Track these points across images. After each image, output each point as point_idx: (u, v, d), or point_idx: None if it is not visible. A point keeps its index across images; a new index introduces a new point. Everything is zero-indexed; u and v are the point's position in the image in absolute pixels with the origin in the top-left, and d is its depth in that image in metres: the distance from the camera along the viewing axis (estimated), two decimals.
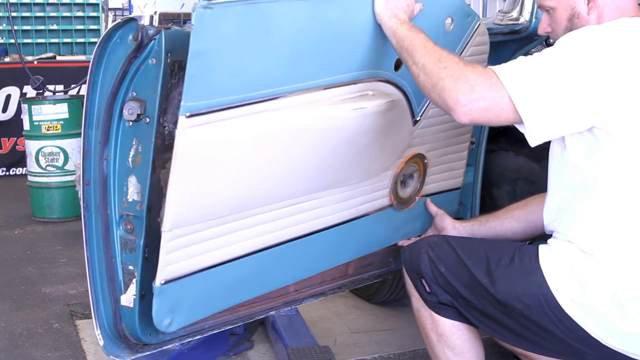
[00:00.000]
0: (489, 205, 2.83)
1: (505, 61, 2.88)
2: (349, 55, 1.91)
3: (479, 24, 2.29)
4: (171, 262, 1.75)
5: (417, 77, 1.76)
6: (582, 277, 1.74)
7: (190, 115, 1.58)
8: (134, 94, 1.86)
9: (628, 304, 1.71)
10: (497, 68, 1.66)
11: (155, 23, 1.82)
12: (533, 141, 1.67)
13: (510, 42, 2.81)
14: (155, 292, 1.77)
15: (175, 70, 1.85)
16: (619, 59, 1.65)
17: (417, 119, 2.22)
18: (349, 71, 1.93)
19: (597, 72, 1.64)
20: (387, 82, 2.06)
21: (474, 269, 1.87)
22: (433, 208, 2.39)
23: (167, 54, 1.81)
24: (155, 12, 1.83)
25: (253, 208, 1.88)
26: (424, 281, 1.93)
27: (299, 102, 1.81)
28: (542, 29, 1.93)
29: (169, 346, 2.14)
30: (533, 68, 1.65)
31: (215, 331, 2.28)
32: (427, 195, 2.45)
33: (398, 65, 2.03)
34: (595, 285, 1.73)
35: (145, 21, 1.81)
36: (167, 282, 1.77)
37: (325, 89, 1.88)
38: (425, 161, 2.35)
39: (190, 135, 1.60)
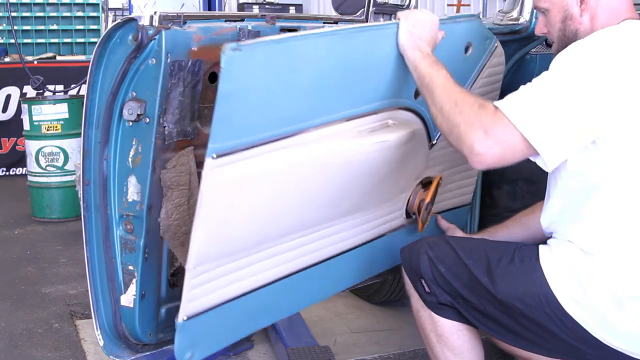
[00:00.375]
0: (489, 205, 2.83)
1: (505, 60, 2.89)
2: (372, 86, 1.92)
3: (497, 46, 2.31)
4: (194, 299, 1.72)
5: (435, 118, 1.78)
6: (582, 277, 1.74)
7: (218, 157, 1.56)
8: (134, 94, 1.86)
9: (628, 303, 1.71)
10: (504, 106, 1.66)
11: (155, 23, 1.82)
12: (550, 167, 1.69)
13: (511, 42, 2.81)
14: (178, 328, 1.73)
15: (175, 70, 1.85)
16: (615, 70, 1.66)
17: (434, 142, 2.22)
18: (370, 102, 1.93)
19: (596, 86, 1.64)
20: (407, 109, 2.07)
21: (474, 269, 1.87)
22: (444, 223, 2.40)
23: (167, 54, 1.81)
24: (155, 12, 1.83)
25: (275, 239, 1.87)
26: (423, 281, 1.93)
27: (322, 136, 1.80)
28: (539, 30, 1.96)
29: (169, 346, 2.15)
30: (537, 98, 1.66)
31: None
32: (439, 213, 2.45)
33: (417, 92, 2.02)
34: (596, 284, 1.73)
35: (145, 21, 1.81)
36: (189, 317, 1.73)
37: (347, 120, 1.88)
38: (440, 181, 2.35)
39: (216, 176, 1.58)
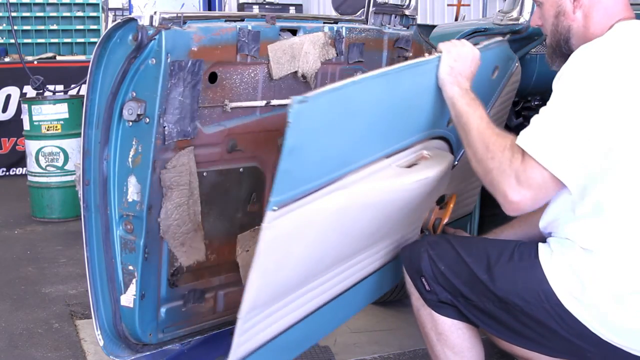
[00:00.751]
0: (489, 205, 2.83)
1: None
2: (412, 120, 1.93)
3: (517, 66, 2.34)
4: (243, 343, 1.73)
5: (470, 159, 1.81)
6: (581, 274, 1.74)
7: (278, 209, 1.56)
8: (134, 94, 1.86)
9: (628, 300, 1.72)
10: (530, 148, 1.66)
11: (155, 23, 1.83)
12: (574, 192, 1.70)
13: (510, 42, 2.81)
14: None
15: (175, 70, 1.85)
16: (620, 84, 1.67)
17: (455, 163, 2.24)
18: (410, 136, 1.95)
19: (606, 105, 1.65)
20: (439, 138, 2.09)
21: (474, 266, 1.87)
22: (450, 230, 2.40)
23: (167, 54, 1.81)
24: (155, 12, 1.82)
25: (318, 275, 1.89)
26: (423, 279, 1.93)
27: (365, 175, 1.81)
28: (534, 22, 1.99)
29: (169, 346, 2.15)
30: (557, 132, 1.66)
31: (215, 331, 2.29)
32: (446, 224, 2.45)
33: (450, 121, 2.04)
34: (596, 281, 1.73)
35: (145, 21, 1.81)
36: None
37: (387, 157, 1.89)
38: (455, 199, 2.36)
39: (275, 227, 1.58)
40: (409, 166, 1.95)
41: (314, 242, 1.76)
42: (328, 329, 2.18)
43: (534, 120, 1.71)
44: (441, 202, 2.29)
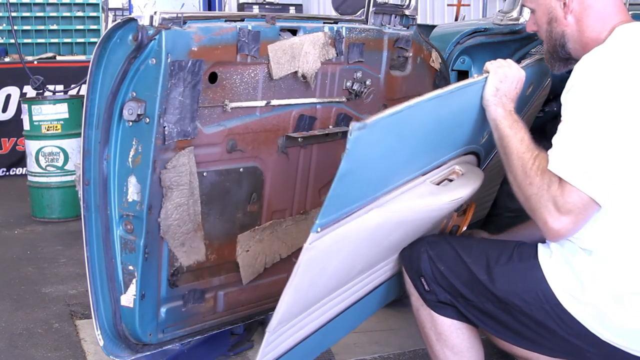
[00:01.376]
0: (493, 204, 2.84)
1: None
2: (452, 139, 1.95)
3: (549, 81, 2.35)
4: (267, 353, 1.75)
5: (511, 183, 1.80)
6: (581, 274, 1.75)
7: (321, 230, 1.58)
8: (134, 94, 1.86)
9: (627, 300, 1.72)
10: (563, 172, 1.65)
11: (155, 23, 1.83)
12: (609, 207, 1.70)
13: (511, 42, 2.82)
14: None
15: (175, 70, 1.85)
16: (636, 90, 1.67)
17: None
18: (448, 153, 1.96)
19: (628, 116, 1.65)
20: (471, 152, 2.09)
21: (473, 267, 1.87)
22: (465, 232, 2.40)
23: (167, 54, 1.81)
24: (155, 12, 1.82)
25: (345, 286, 1.91)
26: (423, 280, 1.94)
27: (402, 192, 1.82)
28: (529, 28, 1.99)
29: (169, 346, 2.15)
30: (586, 152, 1.65)
31: (215, 331, 2.29)
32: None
33: (483, 137, 2.05)
34: (595, 281, 1.73)
35: (145, 21, 1.81)
36: None
37: (423, 174, 1.90)
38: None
39: (315, 248, 1.60)
40: (442, 181, 1.96)
41: (346, 257, 1.78)
42: (342, 335, 2.19)
43: (560, 142, 1.69)
44: (459, 208, 2.28)
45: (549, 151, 1.71)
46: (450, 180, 1.99)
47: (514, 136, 1.80)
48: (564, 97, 1.75)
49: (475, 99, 1.87)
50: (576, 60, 1.82)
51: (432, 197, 1.88)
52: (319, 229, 1.56)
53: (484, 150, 2.15)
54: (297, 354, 1.90)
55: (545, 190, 1.68)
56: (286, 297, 1.63)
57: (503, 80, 1.87)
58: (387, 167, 1.72)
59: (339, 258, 1.74)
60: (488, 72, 1.88)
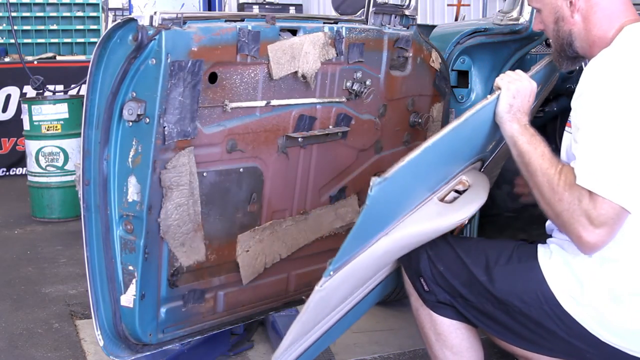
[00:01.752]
0: (489, 205, 2.83)
1: (504, 60, 2.88)
2: (463, 156, 1.95)
3: (556, 76, 2.36)
4: None
5: (538, 200, 1.77)
6: (580, 275, 1.75)
7: (334, 274, 1.61)
8: (134, 94, 1.86)
9: (627, 300, 1.72)
10: (593, 186, 1.64)
11: (155, 23, 1.83)
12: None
13: (511, 42, 2.81)
14: None
15: (175, 70, 1.85)
16: None
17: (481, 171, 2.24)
18: (457, 169, 1.97)
19: None
20: (478, 160, 2.10)
21: (473, 267, 1.87)
22: None
23: (167, 54, 1.81)
24: (155, 12, 1.82)
25: (346, 301, 1.95)
26: (422, 280, 1.94)
27: (410, 215, 1.83)
28: (536, 27, 1.97)
29: (169, 346, 2.15)
30: (613, 162, 1.64)
31: (215, 331, 2.29)
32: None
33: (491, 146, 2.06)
34: (594, 282, 1.73)
35: (145, 21, 1.81)
36: None
37: (433, 193, 1.91)
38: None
39: (326, 289, 1.63)
40: (448, 193, 1.96)
41: (353, 284, 1.82)
42: (338, 336, 2.20)
43: (584, 154, 1.67)
44: None
45: (574, 164, 1.69)
46: (457, 192, 1.99)
47: (534, 151, 1.78)
48: (575, 103, 1.74)
49: (487, 118, 1.86)
50: (583, 59, 1.82)
51: (440, 219, 1.88)
52: (331, 273, 1.60)
53: (489, 154, 2.15)
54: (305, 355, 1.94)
55: (577, 205, 1.66)
56: (294, 330, 1.67)
57: (516, 95, 1.84)
58: (402, 203, 1.74)
59: (346, 289, 1.78)
60: (499, 89, 1.86)
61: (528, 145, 1.79)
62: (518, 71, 1.93)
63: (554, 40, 1.91)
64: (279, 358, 1.73)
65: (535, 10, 1.95)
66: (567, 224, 1.69)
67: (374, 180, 1.48)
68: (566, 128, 1.88)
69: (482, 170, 2.21)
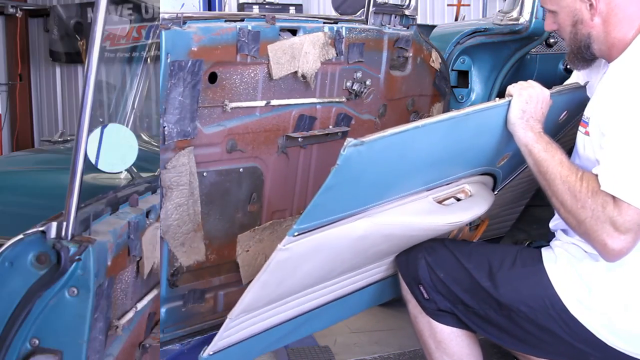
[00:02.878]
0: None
1: (504, 60, 2.88)
2: (464, 160, 1.91)
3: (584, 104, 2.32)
4: (224, 338, 1.76)
5: (558, 210, 1.74)
6: (588, 279, 1.74)
7: (298, 235, 1.58)
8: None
9: (635, 306, 1.71)
10: (618, 191, 1.62)
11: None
12: None
13: (511, 42, 2.81)
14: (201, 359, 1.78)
15: (175, 70, 1.85)
16: None
17: (495, 193, 2.20)
18: (457, 172, 1.93)
19: None
20: (486, 173, 2.06)
21: (475, 273, 1.85)
22: None
23: (167, 54, 1.81)
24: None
25: (317, 288, 1.90)
26: (421, 287, 1.91)
27: (398, 205, 1.79)
28: (548, 27, 1.91)
29: (169, 346, 2.15)
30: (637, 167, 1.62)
31: (215, 331, 2.29)
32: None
33: (501, 160, 2.01)
34: (602, 286, 1.72)
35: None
36: (214, 352, 1.78)
37: (428, 190, 1.87)
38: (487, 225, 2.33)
39: (289, 250, 1.60)
40: (448, 198, 1.92)
41: (324, 261, 1.77)
42: (315, 329, 2.16)
43: (609, 160, 1.65)
44: (471, 223, 2.24)
45: (597, 170, 1.66)
46: (458, 199, 1.95)
47: (552, 159, 1.74)
48: (597, 107, 1.72)
49: (494, 121, 1.82)
50: (600, 60, 1.81)
51: (429, 216, 1.85)
52: (295, 234, 1.56)
53: (502, 173, 2.11)
54: (261, 342, 1.90)
55: (601, 212, 1.63)
56: (252, 289, 1.63)
57: (528, 101, 1.80)
58: (383, 182, 1.69)
59: (315, 261, 1.73)
60: (511, 96, 1.82)
61: (545, 153, 1.75)
62: (530, 81, 1.88)
63: (571, 42, 1.87)
64: (235, 316, 1.68)
65: (547, 11, 1.91)
66: (591, 231, 1.65)
67: (348, 141, 1.44)
68: (579, 128, 1.85)
69: (496, 193, 2.17)
